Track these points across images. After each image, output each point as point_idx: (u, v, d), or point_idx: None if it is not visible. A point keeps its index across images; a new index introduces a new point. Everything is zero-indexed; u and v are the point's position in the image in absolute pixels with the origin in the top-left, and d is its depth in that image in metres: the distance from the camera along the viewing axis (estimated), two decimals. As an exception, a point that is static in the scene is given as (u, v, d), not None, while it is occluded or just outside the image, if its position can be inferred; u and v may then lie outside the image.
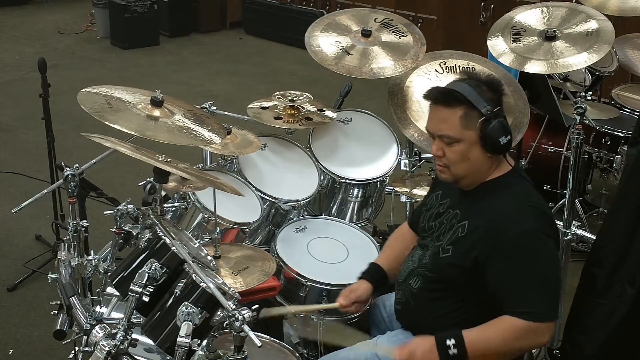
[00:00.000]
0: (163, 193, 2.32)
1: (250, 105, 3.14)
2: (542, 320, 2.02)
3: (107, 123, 2.08)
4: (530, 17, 3.07)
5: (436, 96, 2.14)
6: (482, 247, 2.07)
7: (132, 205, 2.43)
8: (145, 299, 1.98)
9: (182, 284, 1.98)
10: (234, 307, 1.86)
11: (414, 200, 3.09)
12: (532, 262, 2.04)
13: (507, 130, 2.10)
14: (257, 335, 1.84)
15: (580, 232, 2.91)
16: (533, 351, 2.84)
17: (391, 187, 3.11)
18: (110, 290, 2.46)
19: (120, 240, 2.42)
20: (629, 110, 4.03)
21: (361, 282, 2.42)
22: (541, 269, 2.05)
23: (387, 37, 3.11)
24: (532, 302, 2.03)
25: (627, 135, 3.75)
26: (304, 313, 2.54)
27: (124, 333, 1.94)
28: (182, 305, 1.90)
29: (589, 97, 3.37)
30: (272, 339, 2.36)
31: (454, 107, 2.08)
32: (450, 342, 2.06)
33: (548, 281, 2.06)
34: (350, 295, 2.38)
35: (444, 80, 2.86)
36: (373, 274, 2.45)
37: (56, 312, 2.45)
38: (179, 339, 1.85)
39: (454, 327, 2.14)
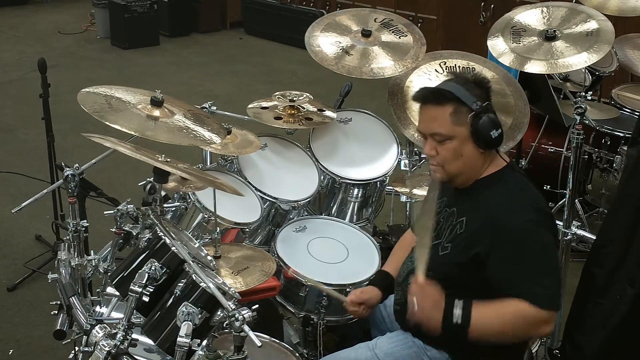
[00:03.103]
0: (163, 193, 2.32)
1: (250, 105, 3.14)
2: (548, 308, 2.03)
3: (107, 123, 2.08)
4: (530, 17, 3.07)
5: (425, 95, 2.17)
6: (483, 243, 2.07)
7: (132, 205, 2.43)
8: (145, 299, 1.98)
9: (182, 284, 1.98)
10: (234, 307, 1.86)
11: (414, 200, 3.09)
12: (531, 255, 2.05)
13: (497, 124, 2.13)
14: (257, 335, 1.84)
15: (580, 232, 2.91)
16: (533, 351, 2.85)
17: (391, 187, 3.11)
18: (110, 290, 2.45)
19: (120, 240, 2.42)
20: (629, 110, 4.03)
21: (371, 288, 2.42)
22: (541, 260, 2.05)
23: (387, 37, 3.11)
24: (535, 291, 2.03)
25: (627, 135, 3.75)
26: (319, 288, 2.52)
27: (124, 333, 1.94)
28: (182, 305, 1.90)
29: (589, 97, 3.38)
30: (272, 339, 2.36)
31: (443, 104, 2.11)
32: (457, 311, 2.05)
33: (550, 271, 2.07)
34: (360, 295, 2.39)
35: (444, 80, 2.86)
36: (382, 280, 2.45)
37: (56, 312, 2.44)
38: (179, 339, 1.85)
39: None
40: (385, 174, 3.06)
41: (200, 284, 1.94)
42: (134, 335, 1.97)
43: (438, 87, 2.18)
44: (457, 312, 2.06)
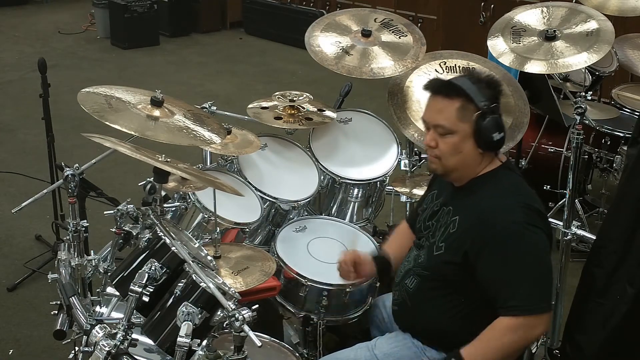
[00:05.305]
0: (163, 193, 2.31)
1: (250, 105, 3.14)
2: (533, 314, 2.03)
3: (107, 123, 2.08)
4: (530, 17, 3.07)
5: (436, 86, 2.18)
6: (472, 243, 2.07)
7: (132, 205, 2.43)
8: (145, 299, 1.98)
9: (182, 284, 1.98)
10: (234, 307, 1.86)
11: (414, 200, 3.09)
12: (518, 256, 2.04)
13: (501, 127, 2.13)
14: (257, 335, 1.84)
15: (580, 232, 2.91)
16: (533, 351, 2.85)
17: (391, 187, 3.11)
18: (110, 290, 2.45)
19: (120, 240, 2.42)
20: (629, 110, 4.03)
21: (369, 258, 2.44)
22: (528, 262, 2.05)
23: (387, 37, 3.11)
24: (521, 296, 2.02)
25: (627, 135, 3.75)
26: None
27: (124, 333, 1.94)
28: (182, 305, 1.90)
29: (589, 97, 3.38)
30: (272, 339, 2.37)
31: (452, 98, 2.11)
32: None
33: (536, 273, 2.06)
34: (353, 255, 2.41)
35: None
36: (381, 259, 2.46)
37: (56, 312, 2.44)
38: (179, 339, 1.85)
39: (452, 326, 2.14)
40: (385, 174, 3.06)
41: (200, 284, 1.94)
42: (134, 335, 1.97)
43: (450, 80, 2.18)
44: None
